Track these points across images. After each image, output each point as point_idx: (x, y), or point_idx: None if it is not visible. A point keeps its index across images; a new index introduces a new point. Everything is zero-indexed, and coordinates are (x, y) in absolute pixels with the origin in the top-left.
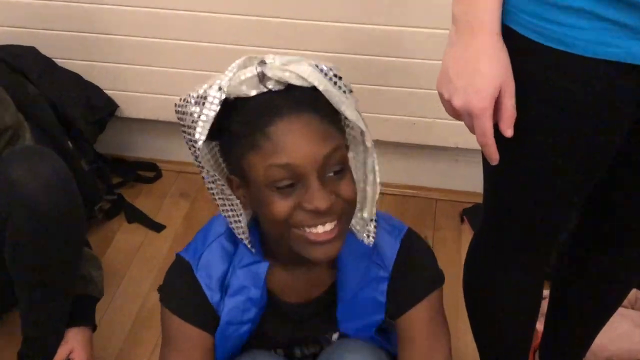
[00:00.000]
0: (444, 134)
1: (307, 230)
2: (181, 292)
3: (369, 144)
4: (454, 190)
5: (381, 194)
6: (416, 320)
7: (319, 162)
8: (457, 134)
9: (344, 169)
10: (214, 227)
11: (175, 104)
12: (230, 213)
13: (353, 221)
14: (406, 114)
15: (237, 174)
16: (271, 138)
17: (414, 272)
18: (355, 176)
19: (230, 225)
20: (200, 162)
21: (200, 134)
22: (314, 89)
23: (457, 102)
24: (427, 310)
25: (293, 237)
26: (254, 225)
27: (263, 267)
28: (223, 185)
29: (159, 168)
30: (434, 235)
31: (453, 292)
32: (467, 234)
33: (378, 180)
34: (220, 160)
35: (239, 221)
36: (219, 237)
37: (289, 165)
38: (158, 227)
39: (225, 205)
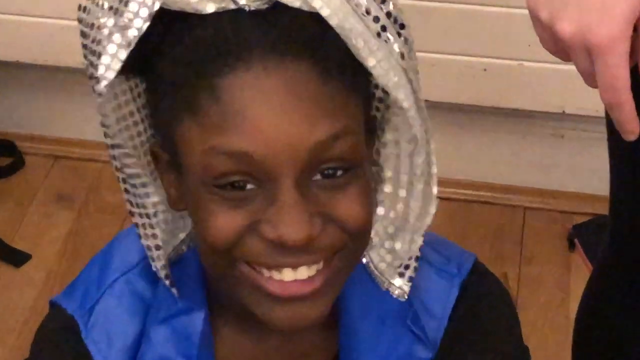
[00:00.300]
0: (539, 90)
1: (266, 273)
2: None
3: (417, 132)
4: (556, 192)
5: None
6: None
7: (301, 155)
8: (563, 90)
9: (350, 170)
10: (120, 252)
11: (80, 6)
12: (137, 218)
13: (372, 254)
14: (470, 51)
15: (167, 148)
16: (221, 99)
17: (479, 346)
18: (389, 177)
19: (142, 242)
20: (104, 114)
21: (109, 66)
22: (319, 18)
23: (566, 28)
24: None
25: (240, 280)
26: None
27: (196, 320)
28: (137, 159)
29: (19, 150)
30: (520, 274)
31: None
32: (579, 270)
33: (434, 191)
34: (144, 113)
35: (155, 235)
36: (128, 272)
37: (245, 156)
38: (18, 258)
39: (131, 198)
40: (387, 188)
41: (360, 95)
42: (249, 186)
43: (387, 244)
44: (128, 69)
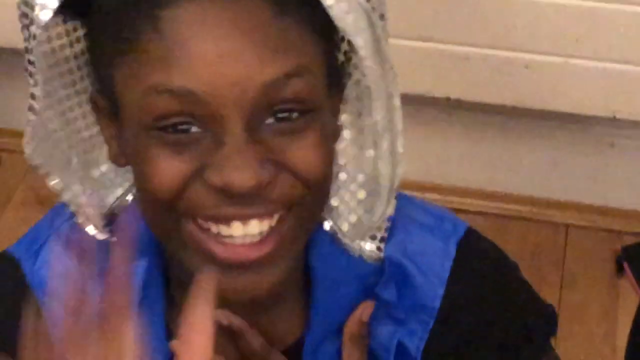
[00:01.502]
0: (587, 91)
1: (214, 229)
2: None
3: (370, 83)
4: (603, 208)
5: (453, 209)
6: None
7: (249, 94)
8: (614, 92)
9: (307, 113)
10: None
11: None
12: (75, 192)
13: (340, 223)
14: (509, 45)
15: (106, 92)
16: (163, 31)
17: (488, 312)
18: (352, 137)
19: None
20: (31, 51)
21: (44, 5)
22: None
23: None
24: None
25: (186, 243)
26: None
27: (136, 269)
28: (72, 106)
29: None
30: (560, 300)
31: None
32: (628, 298)
33: (400, 149)
34: (82, 60)
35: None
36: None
37: (188, 95)
38: None
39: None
40: (352, 149)
41: (320, 36)
42: (193, 129)
43: (358, 211)
44: (65, 8)
